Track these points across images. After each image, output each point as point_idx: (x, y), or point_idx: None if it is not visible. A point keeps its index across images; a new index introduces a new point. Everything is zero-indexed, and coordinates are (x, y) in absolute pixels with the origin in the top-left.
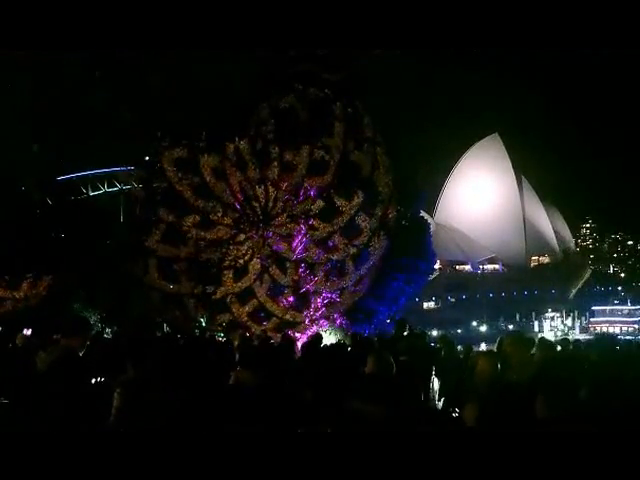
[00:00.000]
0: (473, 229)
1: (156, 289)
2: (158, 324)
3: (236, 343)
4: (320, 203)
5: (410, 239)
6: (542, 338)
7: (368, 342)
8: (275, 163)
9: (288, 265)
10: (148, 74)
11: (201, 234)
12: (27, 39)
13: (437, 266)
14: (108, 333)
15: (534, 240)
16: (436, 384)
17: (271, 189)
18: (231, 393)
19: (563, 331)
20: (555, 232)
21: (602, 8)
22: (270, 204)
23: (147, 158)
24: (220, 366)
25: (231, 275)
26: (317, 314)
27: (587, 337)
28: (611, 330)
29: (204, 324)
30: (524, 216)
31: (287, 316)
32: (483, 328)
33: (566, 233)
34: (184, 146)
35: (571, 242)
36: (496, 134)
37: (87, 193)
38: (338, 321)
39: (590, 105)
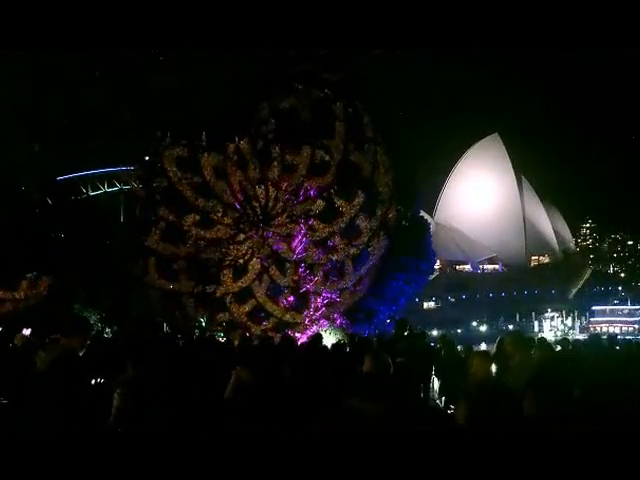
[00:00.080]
0: (473, 229)
1: (156, 288)
2: (158, 324)
3: (236, 343)
4: (320, 203)
5: (410, 239)
6: (541, 338)
7: (366, 342)
8: (275, 163)
9: (287, 266)
10: (148, 74)
11: (201, 233)
12: (27, 39)
13: (437, 266)
14: (108, 333)
15: (534, 240)
16: (436, 384)
17: (271, 189)
18: (231, 393)
19: (563, 331)
20: (555, 232)
21: (602, 8)
22: (270, 204)
23: (147, 158)
24: (220, 366)
25: (230, 274)
26: (317, 314)
27: (587, 337)
28: (611, 330)
29: (204, 324)
30: (524, 216)
31: (287, 316)
32: (483, 328)
33: (566, 233)
34: (184, 146)
35: (571, 242)
36: (496, 134)
37: (87, 193)
38: (338, 321)
39: (590, 105)
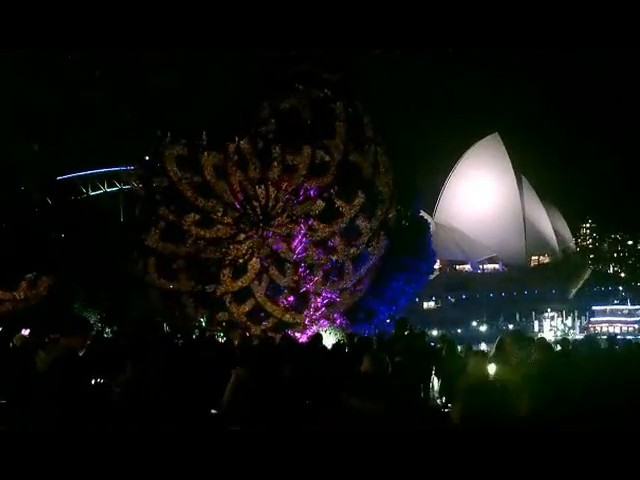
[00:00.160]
0: (473, 229)
1: (156, 288)
2: (158, 324)
3: (236, 343)
4: (320, 204)
5: (410, 239)
6: (540, 338)
7: (366, 342)
8: (275, 163)
9: (287, 266)
10: (148, 74)
11: (201, 233)
12: (28, 38)
13: (437, 266)
14: (108, 333)
15: (534, 240)
16: (436, 383)
17: (271, 189)
18: (230, 393)
19: (563, 331)
20: (555, 232)
21: (602, 8)
22: (270, 204)
23: (147, 158)
24: (220, 366)
25: (230, 274)
26: (317, 314)
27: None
28: (611, 330)
29: (204, 324)
30: (524, 216)
31: (286, 316)
32: (483, 328)
33: (566, 233)
34: (184, 145)
35: (571, 242)
36: (496, 134)
37: (87, 193)
38: (338, 321)
39: (590, 105)
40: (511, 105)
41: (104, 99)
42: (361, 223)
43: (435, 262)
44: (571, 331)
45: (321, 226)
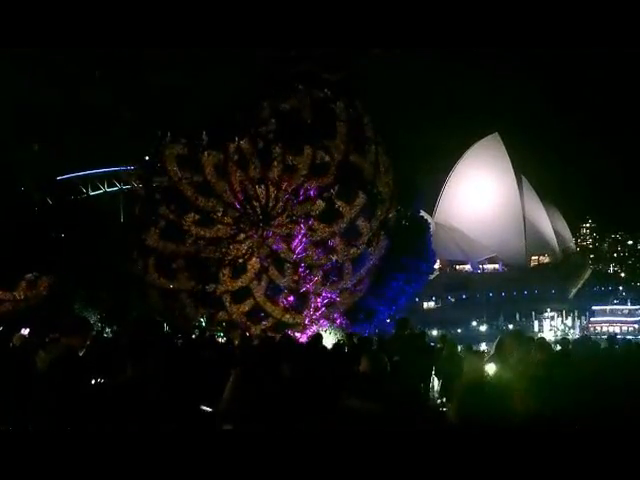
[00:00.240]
0: (473, 229)
1: (156, 287)
2: (158, 324)
3: (236, 343)
4: (320, 204)
5: (410, 239)
6: (540, 338)
7: (366, 342)
8: (275, 163)
9: (287, 266)
10: (149, 74)
11: (201, 233)
12: (27, 37)
13: (437, 266)
14: (108, 333)
15: (534, 240)
16: (437, 383)
17: (272, 189)
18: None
19: (563, 331)
20: (555, 232)
21: (602, 8)
22: (270, 204)
23: (147, 158)
24: (220, 366)
25: (229, 273)
26: (317, 314)
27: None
28: (611, 330)
29: (204, 324)
30: (524, 216)
31: (286, 317)
32: (483, 328)
33: (566, 233)
34: (184, 145)
35: (571, 242)
36: (496, 134)
37: (87, 193)
38: (338, 321)
39: (590, 105)
40: (511, 105)
41: (104, 99)
42: (361, 223)
43: (435, 262)
44: (571, 331)
45: (321, 226)
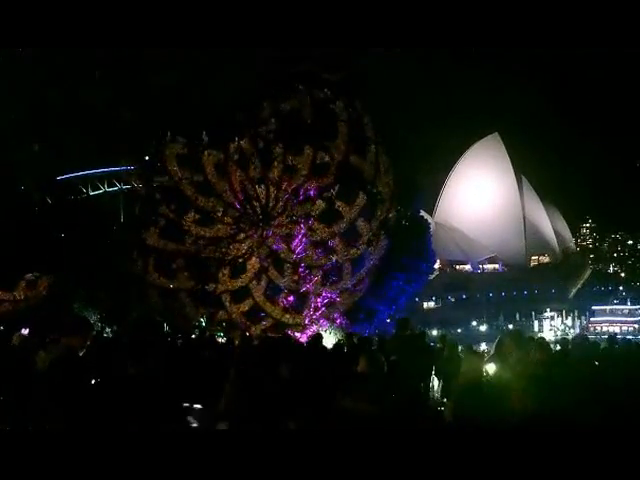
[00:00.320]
0: (473, 229)
1: (155, 287)
2: (158, 324)
3: (236, 343)
4: (320, 204)
5: (410, 239)
6: (539, 338)
7: (366, 342)
8: (275, 163)
9: (286, 267)
10: (149, 74)
11: (201, 232)
12: (28, 37)
13: (437, 266)
14: (108, 333)
15: (534, 240)
16: (437, 383)
17: (272, 189)
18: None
19: (563, 331)
20: (555, 232)
21: (602, 8)
22: (270, 204)
23: (147, 158)
24: (219, 366)
25: (229, 273)
26: (317, 314)
27: (589, 337)
28: (611, 330)
29: (204, 324)
30: (524, 216)
31: (286, 317)
32: (483, 328)
33: (566, 233)
34: (184, 145)
35: (571, 242)
36: (496, 134)
37: (87, 193)
38: (338, 321)
39: (590, 105)
40: (511, 105)
41: (104, 99)
42: (361, 224)
43: (435, 262)
44: (571, 331)
45: (321, 226)
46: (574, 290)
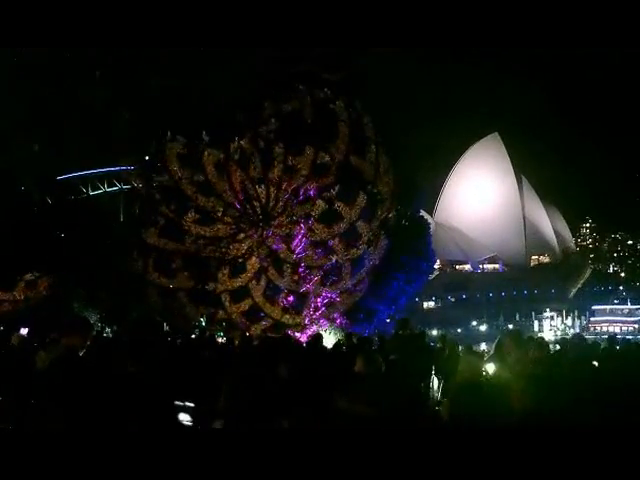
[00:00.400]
0: (473, 228)
1: (155, 286)
2: (158, 324)
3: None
4: (320, 204)
5: (410, 239)
6: (537, 338)
7: (366, 342)
8: (275, 163)
9: (285, 267)
10: (149, 74)
11: (201, 232)
12: (28, 37)
13: (437, 266)
14: (108, 333)
15: (534, 239)
16: (437, 383)
17: (272, 189)
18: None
19: (563, 330)
20: (555, 232)
21: (602, 8)
22: (271, 204)
23: (147, 158)
24: (219, 365)
25: (229, 272)
26: (317, 314)
27: (588, 336)
28: (611, 329)
29: (204, 324)
30: (524, 216)
31: (285, 317)
32: (483, 328)
33: (566, 233)
34: (185, 145)
35: (571, 242)
36: (496, 134)
37: (87, 193)
38: (338, 321)
39: (590, 105)
40: (511, 105)
41: (104, 99)
42: (361, 224)
43: (435, 262)
44: (571, 331)
45: (320, 227)
46: (574, 290)
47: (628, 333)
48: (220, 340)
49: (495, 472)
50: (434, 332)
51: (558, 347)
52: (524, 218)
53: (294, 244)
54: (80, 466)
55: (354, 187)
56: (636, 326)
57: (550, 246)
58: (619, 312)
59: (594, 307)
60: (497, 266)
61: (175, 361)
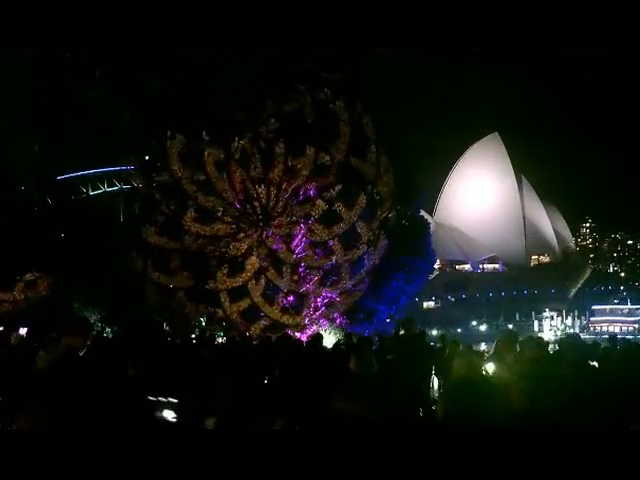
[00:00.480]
0: (473, 228)
1: (154, 285)
2: (158, 324)
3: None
4: (320, 204)
5: (410, 239)
6: (535, 337)
7: (366, 342)
8: (275, 163)
9: (285, 267)
10: (149, 74)
11: (200, 231)
12: (28, 37)
13: (437, 266)
14: (108, 333)
15: (534, 239)
16: (437, 383)
17: (272, 189)
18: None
19: (563, 330)
20: (555, 232)
21: (602, 8)
22: (271, 204)
23: (147, 157)
24: (219, 365)
25: (227, 271)
26: (317, 314)
27: (588, 336)
28: (611, 329)
29: (204, 323)
30: (524, 216)
31: (285, 318)
32: (483, 327)
33: (566, 233)
34: (185, 144)
35: (571, 242)
36: (496, 134)
37: (87, 193)
38: (338, 321)
39: (590, 105)
40: (511, 105)
41: (104, 98)
42: (361, 224)
43: (435, 262)
44: (571, 331)
45: (320, 227)
46: (574, 290)
47: (628, 333)
48: (220, 340)
49: (491, 472)
50: (434, 332)
51: (557, 347)
52: (524, 218)
53: (294, 244)
54: (80, 466)
55: (354, 187)
56: (636, 326)
57: (550, 246)
58: (619, 312)
59: (594, 307)
60: (497, 266)
61: (175, 361)
